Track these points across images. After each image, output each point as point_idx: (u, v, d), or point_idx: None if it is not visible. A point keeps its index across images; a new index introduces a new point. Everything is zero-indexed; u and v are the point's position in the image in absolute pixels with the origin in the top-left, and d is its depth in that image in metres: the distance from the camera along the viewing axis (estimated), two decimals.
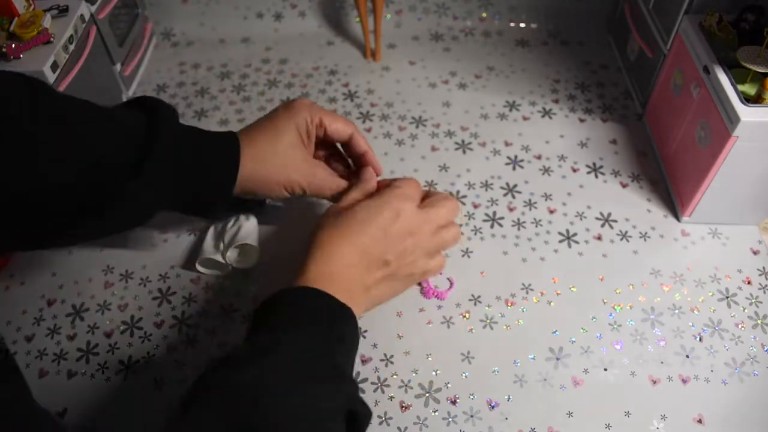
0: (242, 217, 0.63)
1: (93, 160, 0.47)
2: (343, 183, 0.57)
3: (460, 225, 0.63)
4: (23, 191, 0.45)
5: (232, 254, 0.61)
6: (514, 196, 0.68)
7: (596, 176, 0.70)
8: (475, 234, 0.65)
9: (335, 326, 0.45)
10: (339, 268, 0.48)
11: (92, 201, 0.47)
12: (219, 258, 0.60)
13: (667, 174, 0.69)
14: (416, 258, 0.53)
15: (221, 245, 0.61)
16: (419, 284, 0.60)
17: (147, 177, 0.48)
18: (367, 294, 0.50)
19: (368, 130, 0.75)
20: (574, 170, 0.71)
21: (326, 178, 0.57)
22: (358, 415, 0.41)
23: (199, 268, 0.61)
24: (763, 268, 0.61)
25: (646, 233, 0.64)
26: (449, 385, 0.54)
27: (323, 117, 0.56)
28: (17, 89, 0.45)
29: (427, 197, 0.55)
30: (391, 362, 0.55)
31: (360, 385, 0.54)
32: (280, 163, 0.54)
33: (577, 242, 0.64)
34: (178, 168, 0.51)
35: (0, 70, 0.47)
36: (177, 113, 0.53)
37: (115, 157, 0.48)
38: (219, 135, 0.55)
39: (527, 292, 0.60)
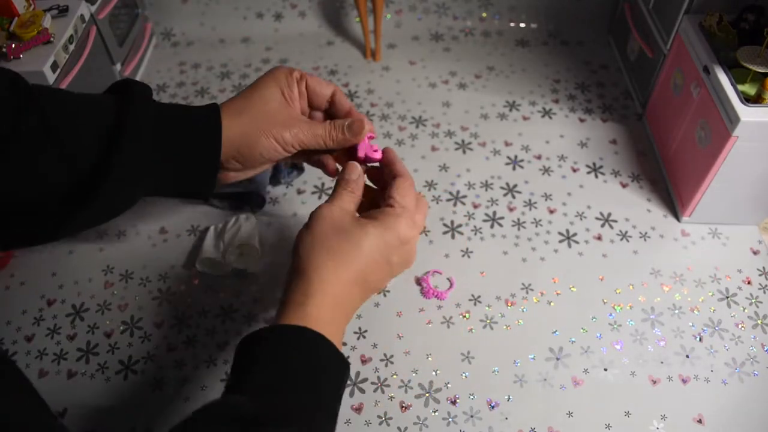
0: (242, 217, 0.63)
1: (71, 152, 0.45)
2: (326, 125, 0.52)
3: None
4: (11, 191, 0.44)
5: (232, 255, 0.61)
6: (514, 196, 0.68)
7: (596, 176, 0.70)
8: (475, 234, 0.65)
9: (339, 383, 0.42)
10: (339, 300, 0.44)
11: (76, 192, 0.45)
12: (219, 258, 0.60)
13: (667, 174, 0.69)
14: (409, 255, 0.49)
15: (221, 245, 0.61)
16: (419, 284, 0.60)
17: (125, 155, 0.45)
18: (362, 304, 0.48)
19: None
20: (574, 170, 0.71)
21: (316, 124, 0.52)
22: None
23: (198, 267, 0.61)
24: (763, 268, 0.61)
25: (646, 233, 0.64)
26: (449, 385, 0.54)
27: (303, 72, 0.53)
28: None
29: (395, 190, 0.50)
30: (391, 362, 0.55)
31: (360, 385, 0.54)
32: (262, 113, 0.50)
33: (577, 242, 0.64)
34: (157, 140, 0.47)
35: None
36: (150, 89, 0.50)
37: (92, 142, 0.46)
38: (197, 107, 0.51)
39: (527, 292, 0.60)
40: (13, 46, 0.60)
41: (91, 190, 0.45)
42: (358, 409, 0.52)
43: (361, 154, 0.52)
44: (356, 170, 0.50)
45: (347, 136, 0.52)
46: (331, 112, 0.55)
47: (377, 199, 0.51)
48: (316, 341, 0.41)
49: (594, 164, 0.71)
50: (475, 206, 0.67)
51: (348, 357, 0.55)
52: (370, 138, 0.53)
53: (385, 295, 0.60)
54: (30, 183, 0.44)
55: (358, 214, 0.48)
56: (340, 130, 0.52)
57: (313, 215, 0.47)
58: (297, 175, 0.70)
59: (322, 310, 0.43)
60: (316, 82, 0.53)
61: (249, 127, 0.50)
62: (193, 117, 0.49)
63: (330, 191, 0.68)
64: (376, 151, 0.52)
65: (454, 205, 0.67)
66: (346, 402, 0.53)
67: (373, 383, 0.54)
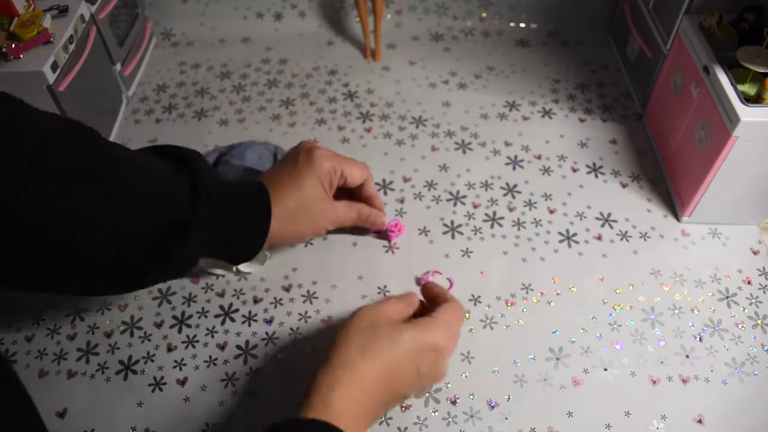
0: None
1: (147, 228, 0.48)
2: (361, 208, 0.61)
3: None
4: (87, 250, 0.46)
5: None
6: (514, 196, 0.68)
7: (596, 176, 0.70)
8: (475, 234, 0.65)
9: None
10: (364, 391, 0.43)
11: (150, 261, 0.49)
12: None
13: (667, 174, 0.69)
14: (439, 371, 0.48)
15: None
16: (419, 284, 0.60)
17: (194, 238, 0.50)
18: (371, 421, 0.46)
19: (368, 130, 0.75)
20: (574, 170, 0.71)
21: (349, 210, 0.60)
22: None
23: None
24: (763, 268, 0.61)
25: (646, 233, 0.64)
26: (449, 385, 0.54)
27: (344, 168, 0.58)
28: (73, 141, 0.46)
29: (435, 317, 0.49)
30: None
31: None
32: (307, 216, 0.57)
33: (577, 242, 0.64)
34: (218, 230, 0.53)
35: (49, 113, 0.47)
36: (209, 166, 0.55)
37: (165, 220, 0.49)
38: (250, 195, 0.55)
39: (527, 292, 0.60)
40: (13, 46, 0.60)
41: (168, 251, 0.49)
42: None
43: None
44: (414, 295, 0.51)
45: (368, 226, 0.62)
46: (353, 189, 0.62)
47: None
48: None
49: (594, 164, 0.71)
50: (475, 206, 0.67)
51: None
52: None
53: (385, 295, 0.60)
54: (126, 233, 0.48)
55: None
56: (366, 219, 0.61)
57: (355, 312, 0.47)
58: None
59: (345, 402, 0.42)
60: (354, 172, 0.59)
61: (292, 228, 0.57)
62: (245, 219, 0.55)
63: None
64: (393, 231, 0.64)
65: (454, 205, 0.67)
66: None
67: None
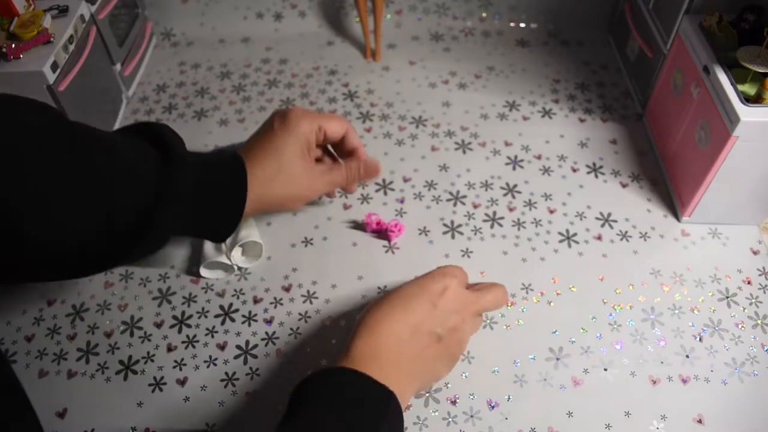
0: None
1: (120, 204, 0.47)
2: (348, 163, 0.60)
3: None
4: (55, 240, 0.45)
5: (236, 253, 0.61)
6: (514, 196, 0.68)
7: (596, 176, 0.70)
8: (475, 234, 0.65)
9: (374, 413, 0.42)
10: (387, 343, 0.46)
11: (124, 239, 0.48)
12: (224, 259, 0.60)
13: (667, 174, 0.69)
14: (463, 336, 0.50)
15: (223, 246, 0.61)
16: None
17: (170, 208, 0.49)
18: (422, 368, 0.48)
19: (368, 130, 0.75)
20: (574, 170, 0.71)
21: (333, 173, 0.59)
22: None
23: (203, 272, 0.61)
24: (763, 268, 0.61)
25: (646, 233, 0.64)
26: (449, 385, 0.54)
27: (321, 123, 0.57)
28: (33, 119, 0.45)
29: (478, 285, 0.53)
30: None
31: None
32: (287, 179, 0.55)
33: (577, 242, 0.64)
34: (194, 201, 0.52)
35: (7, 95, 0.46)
36: (183, 142, 0.53)
37: (138, 194, 0.48)
38: (225, 164, 0.54)
39: (527, 292, 0.60)
40: (13, 46, 0.60)
41: (143, 224, 0.48)
42: None
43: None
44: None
45: (364, 178, 0.59)
46: (335, 145, 0.61)
47: None
48: (351, 376, 0.43)
49: (594, 164, 0.71)
50: (475, 206, 0.67)
51: None
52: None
53: None
54: (99, 213, 0.46)
55: None
56: (356, 172, 0.59)
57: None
58: None
59: (361, 349, 0.45)
60: (332, 126, 0.58)
61: (271, 193, 0.55)
62: (222, 189, 0.53)
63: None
64: (392, 231, 0.63)
65: (454, 205, 0.67)
66: None
67: None
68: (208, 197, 0.53)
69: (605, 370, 0.54)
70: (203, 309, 0.59)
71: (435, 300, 0.48)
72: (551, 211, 0.66)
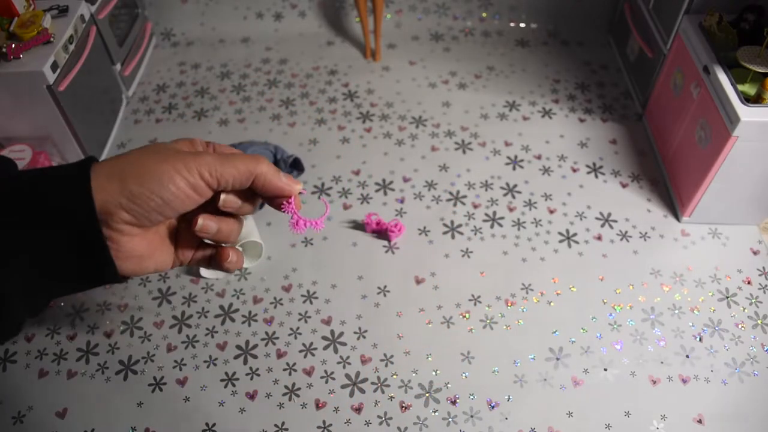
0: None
1: None
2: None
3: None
4: None
5: None
6: (514, 196, 0.68)
7: (596, 176, 0.70)
8: (475, 234, 0.65)
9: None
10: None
11: None
12: None
13: (667, 174, 0.69)
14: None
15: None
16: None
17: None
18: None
19: (368, 130, 0.75)
20: (574, 170, 0.71)
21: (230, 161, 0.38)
22: None
23: (203, 272, 0.61)
24: (763, 268, 0.61)
25: (646, 233, 0.64)
26: (449, 385, 0.54)
27: (214, 167, 0.37)
28: None
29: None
30: (391, 362, 0.55)
31: (360, 385, 0.54)
32: (157, 156, 0.37)
33: (577, 242, 0.64)
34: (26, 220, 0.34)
35: None
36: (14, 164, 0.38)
37: None
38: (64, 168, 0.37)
39: (527, 292, 0.60)
40: (13, 46, 0.60)
41: None
42: (358, 409, 0.52)
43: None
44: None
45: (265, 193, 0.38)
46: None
47: None
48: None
49: (594, 164, 0.71)
50: (475, 206, 0.67)
51: (348, 357, 0.55)
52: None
53: (385, 295, 0.60)
54: None
55: None
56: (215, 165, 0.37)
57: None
58: (297, 175, 0.70)
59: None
60: (228, 172, 0.37)
61: (142, 160, 0.37)
62: (49, 185, 0.35)
63: (330, 191, 0.68)
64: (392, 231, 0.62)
65: (454, 205, 0.67)
66: (346, 402, 0.53)
67: (373, 383, 0.54)
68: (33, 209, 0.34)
69: (605, 370, 0.54)
70: (203, 309, 0.59)
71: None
72: (551, 211, 0.66)
